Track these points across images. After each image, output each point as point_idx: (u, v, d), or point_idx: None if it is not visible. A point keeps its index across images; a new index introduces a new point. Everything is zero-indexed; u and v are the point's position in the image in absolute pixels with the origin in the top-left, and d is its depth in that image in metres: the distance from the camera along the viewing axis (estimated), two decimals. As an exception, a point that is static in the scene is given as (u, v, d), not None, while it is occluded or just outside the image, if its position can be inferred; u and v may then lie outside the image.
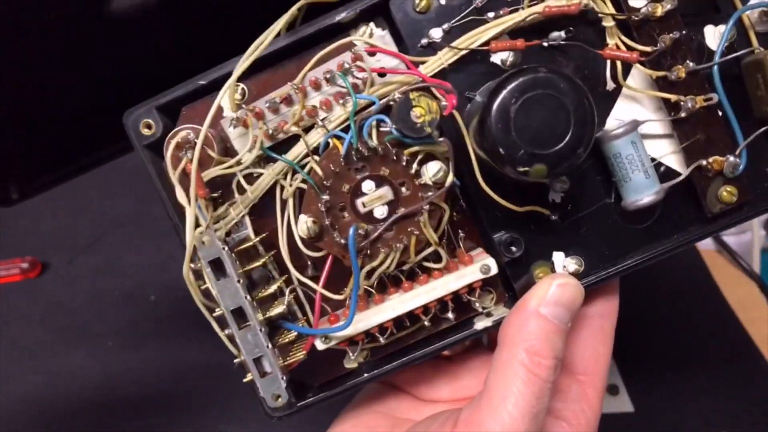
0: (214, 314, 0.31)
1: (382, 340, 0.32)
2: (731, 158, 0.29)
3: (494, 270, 0.30)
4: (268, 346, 0.30)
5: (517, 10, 0.30)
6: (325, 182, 0.30)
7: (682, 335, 0.64)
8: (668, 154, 0.31)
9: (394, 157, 0.30)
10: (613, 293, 0.32)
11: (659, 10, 0.29)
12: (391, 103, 0.29)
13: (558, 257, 0.31)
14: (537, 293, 0.29)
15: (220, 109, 0.30)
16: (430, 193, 0.30)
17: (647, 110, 0.31)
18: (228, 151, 0.32)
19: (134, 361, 0.62)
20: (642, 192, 0.29)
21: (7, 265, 0.71)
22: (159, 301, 0.68)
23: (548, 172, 0.27)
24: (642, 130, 0.30)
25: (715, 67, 0.29)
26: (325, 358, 0.33)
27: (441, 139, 0.29)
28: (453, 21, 0.30)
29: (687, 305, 0.68)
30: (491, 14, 0.30)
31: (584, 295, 0.29)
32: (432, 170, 0.30)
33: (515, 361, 0.27)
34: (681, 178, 0.30)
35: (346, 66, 0.30)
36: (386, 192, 0.30)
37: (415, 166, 0.30)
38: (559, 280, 0.29)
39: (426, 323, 0.32)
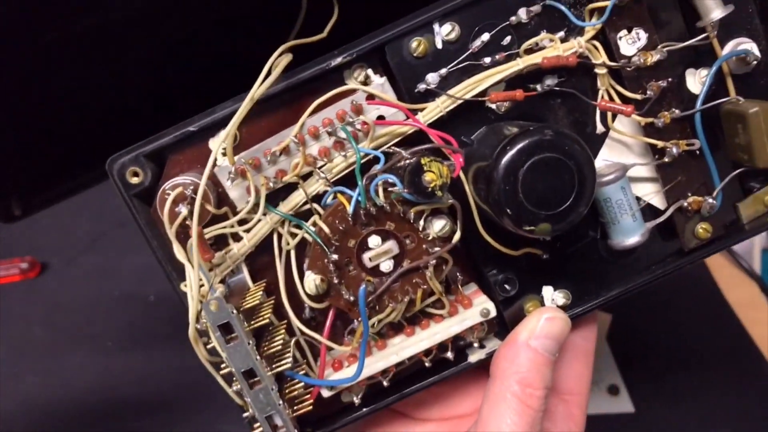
0: (221, 372, 0.31)
1: (385, 383, 0.32)
2: (709, 200, 0.31)
3: (493, 313, 0.31)
4: (279, 404, 0.29)
5: (513, 56, 0.30)
6: (332, 239, 0.30)
7: (683, 335, 0.64)
8: (651, 193, 0.32)
9: (401, 214, 0.30)
10: (593, 319, 0.34)
11: (649, 60, 0.30)
12: (399, 164, 0.29)
13: (547, 291, 0.32)
14: (527, 326, 0.30)
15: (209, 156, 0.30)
16: (437, 249, 0.30)
17: (633, 153, 0.32)
18: (221, 196, 0.30)
19: (134, 361, 0.62)
20: (629, 234, 0.31)
21: (6, 266, 0.71)
22: (159, 301, 0.68)
23: (552, 230, 0.27)
24: (629, 173, 0.31)
25: (698, 115, 0.30)
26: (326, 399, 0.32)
27: (450, 201, 0.29)
28: (450, 66, 0.30)
29: (687, 305, 0.68)
30: (488, 59, 0.30)
31: (570, 326, 0.31)
32: (438, 226, 0.30)
33: (508, 393, 0.28)
34: (663, 218, 0.32)
35: (349, 119, 0.30)
36: (392, 246, 0.30)
37: (421, 222, 0.30)
38: (548, 314, 0.30)
39: (427, 364, 0.32)
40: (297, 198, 0.30)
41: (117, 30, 0.32)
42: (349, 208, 0.29)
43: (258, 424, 0.30)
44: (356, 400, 0.32)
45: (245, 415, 0.31)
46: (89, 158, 0.38)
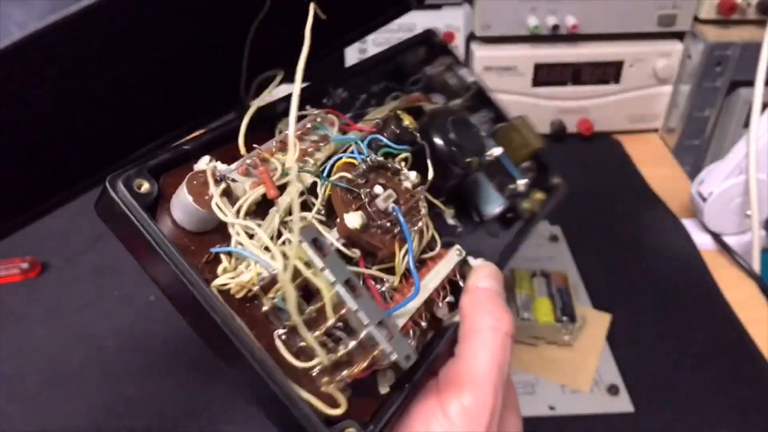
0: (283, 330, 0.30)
1: (413, 342, 0.34)
2: (521, 182, 0.46)
3: (463, 253, 0.38)
4: (384, 313, 0.30)
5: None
6: (358, 182, 0.34)
7: (682, 335, 0.64)
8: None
9: (389, 165, 0.35)
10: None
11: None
12: (378, 122, 0.37)
13: (473, 260, 0.40)
14: (471, 276, 0.37)
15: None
16: (420, 187, 0.36)
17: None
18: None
19: (134, 361, 0.62)
20: (495, 204, 0.44)
21: (6, 265, 0.71)
22: (159, 301, 0.68)
23: (478, 164, 0.40)
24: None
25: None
26: (360, 394, 0.31)
27: (422, 142, 0.38)
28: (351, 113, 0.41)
29: (687, 305, 0.68)
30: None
31: (498, 269, 0.38)
32: (412, 175, 0.36)
33: (478, 325, 0.34)
34: (504, 201, 0.44)
35: (319, 120, 0.37)
36: (391, 192, 0.35)
37: (404, 169, 0.36)
38: (478, 263, 0.39)
39: (440, 304, 0.36)
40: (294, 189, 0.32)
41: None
42: (357, 162, 0.35)
43: (370, 339, 0.30)
44: (386, 386, 0.33)
45: (344, 350, 0.30)
46: (69, 175, 0.37)
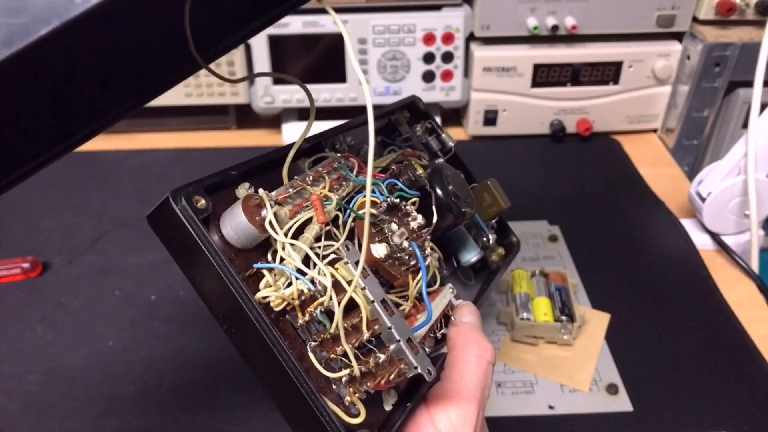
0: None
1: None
2: (491, 236, 0.52)
3: (455, 290, 0.43)
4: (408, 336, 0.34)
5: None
6: (382, 218, 0.39)
7: (681, 335, 0.65)
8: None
9: (401, 207, 0.40)
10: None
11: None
12: (393, 167, 0.43)
13: (455, 300, 0.44)
14: (457, 312, 0.42)
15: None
16: (426, 229, 0.41)
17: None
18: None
19: (134, 361, 0.62)
20: (473, 253, 0.50)
21: (8, 265, 0.71)
22: (159, 301, 0.69)
23: (473, 212, 0.46)
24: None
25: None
26: (371, 409, 0.34)
27: (430, 190, 0.43)
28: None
29: (686, 305, 0.68)
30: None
31: (477, 308, 0.43)
32: (419, 218, 0.41)
33: (466, 353, 0.38)
34: (480, 251, 0.50)
35: (342, 162, 0.41)
36: (404, 230, 0.39)
37: (413, 212, 0.41)
38: (462, 303, 0.43)
39: (438, 335, 0.40)
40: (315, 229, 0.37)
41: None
42: (381, 200, 0.39)
43: (399, 353, 0.34)
44: (390, 403, 0.37)
45: (382, 357, 0.34)
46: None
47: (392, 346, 0.34)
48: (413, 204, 0.42)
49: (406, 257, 0.38)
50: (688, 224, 0.79)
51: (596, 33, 0.90)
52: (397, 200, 0.40)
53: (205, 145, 0.96)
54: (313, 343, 0.33)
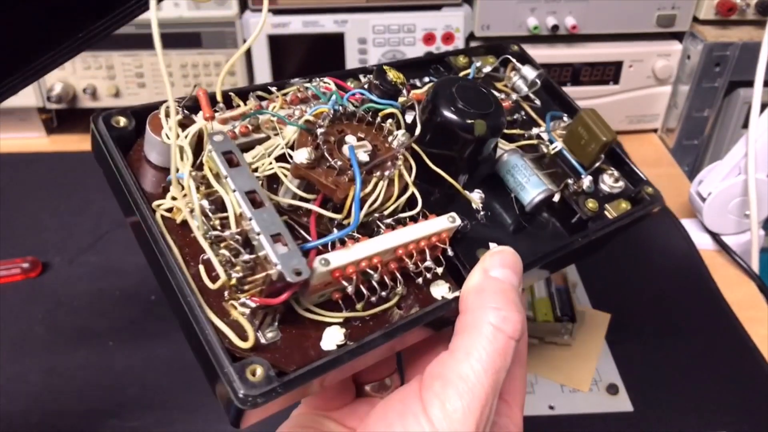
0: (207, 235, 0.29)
1: (358, 307, 0.31)
2: (585, 180, 0.41)
3: (459, 221, 0.33)
4: (282, 224, 0.28)
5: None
6: (319, 125, 0.32)
7: (682, 335, 0.65)
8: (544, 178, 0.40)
9: (370, 119, 0.33)
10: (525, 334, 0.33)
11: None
12: (369, 77, 0.38)
13: (493, 246, 0.35)
14: (483, 262, 0.31)
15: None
16: (402, 141, 0.34)
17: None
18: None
19: (134, 360, 0.62)
20: (537, 188, 0.38)
21: (7, 265, 0.71)
22: (159, 300, 0.69)
23: (486, 127, 0.35)
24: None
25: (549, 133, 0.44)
26: (297, 343, 0.29)
27: (408, 99, 0.37)
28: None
29: (686, 305, 0.68)
30: None
31: (520, 260, 0.32)
32: (400, 133, 0.34)
33: (479, 320, 0.29)
34: (559, 188, 0.40)
35: (314, 85, 0.36)
36: (366, 143, 0.33)
37: (387, 125, 0.34)
38: (497, 248, 0.33)
39: (411, 266, 0.32)
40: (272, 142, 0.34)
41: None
42: (329, 108, 0.33)
43: (263, 251, 0.27)
44: (332, 344, 0.30)
45: (242, 258, 0.28)
46: None
47: (255, 243, 0.28)
48: (391, 117, 0.35)
49: (343, 164, 0.31)
50: (688, 224, 0.79)
51: (596, 33, 0.90)
52: (354, 108, 0.34)
53: (205, 145, 0.96)
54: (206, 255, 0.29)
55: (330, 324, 0.30)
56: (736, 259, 0.74)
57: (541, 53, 0.91)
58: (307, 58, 0.91)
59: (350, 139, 0.32)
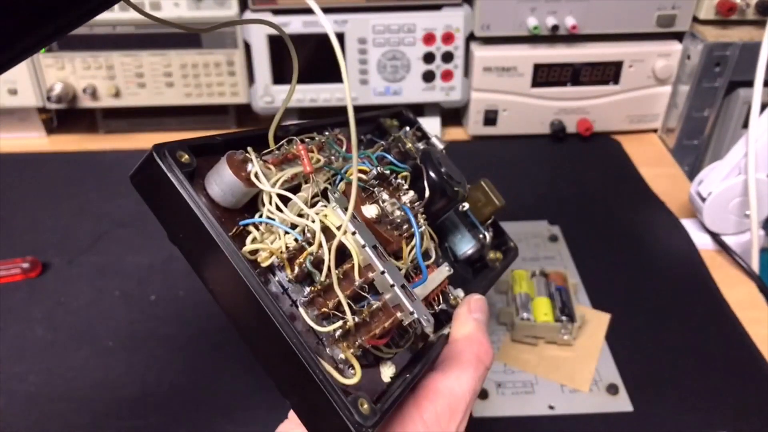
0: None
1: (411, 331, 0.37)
2: (488, 235, 0.50)
3: (452, 270, 0.41)
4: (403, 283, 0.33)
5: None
6: (372, 183, 0.38)
7: (682, 335, 0.65)
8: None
9: (391, 179, 0.39)
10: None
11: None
12: (383, 144, 0.45)
13: (455, 291, 0.44)
14: (468, 305, 0.41)
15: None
16: (419, 202, 0.40)
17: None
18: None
19: (135, 361, 0.62)
20: (468, 245, 0.49)
21: (7, 265, 0.71)
22: (159, 301, 0.69)
23: (465, 191, 0.46)
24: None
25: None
26: (368, 377, 0.33)
27: (420, 164, 0.44)
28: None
29: (686, 305, 0.68)
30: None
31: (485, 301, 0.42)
32: (411, 193, 0.40)
33: (467, 352, 0.38)
34: (476, 243, 0.49)
35: (331, 138, 0.40)
36: (395, 201, 0.38)
37: (405, 186, 0.40)
38: (477, 297, 0.42)
39: (436, 308, 0.39)
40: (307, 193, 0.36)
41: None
42: (370, 168, 0.38)
43: (391, 300, 0.33)
44: (389, 373, 0.35)
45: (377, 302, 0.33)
46: None
47: (387, 295, 0.32)
48: (404, 179, 0.41)
49: (399, 221, 0.37)
50: (688, 224, 0.79)
51: (596, 33, 0.90)
52: (388, 172, 0.39)
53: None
54: (303, 299, 0.31)
55: (385, 359, 0.35)
56: (736, 259, 0.74)
57: (541, 53, 0.91)
58: (307, 58, 0.91)
59: (385, 196, 0.37)
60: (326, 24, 0.29)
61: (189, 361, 0.62)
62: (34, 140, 0.98)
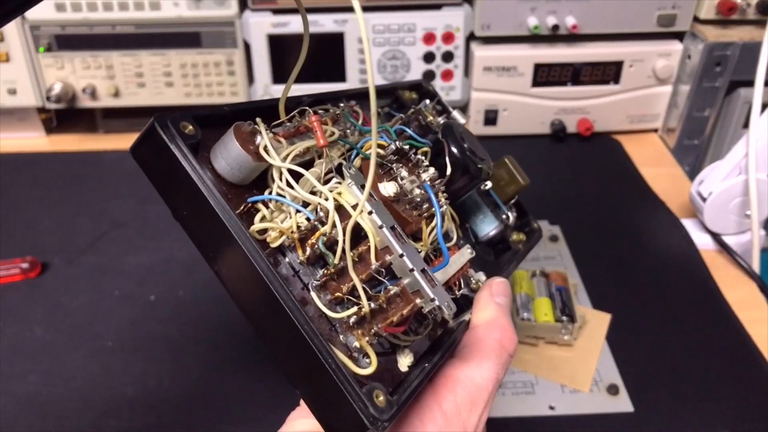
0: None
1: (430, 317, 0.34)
2: (511, 216, 0.48)
3: (474, 252, 0.40)
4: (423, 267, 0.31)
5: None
6: (391, 158, 0.35)
7: (682, 335, 0.64)
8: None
9: (411, 155, 0.36)
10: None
11: None
12: (402, 116, 0.42)
13: (476, 274, 0.42)
14: (491, 288, 0.38)
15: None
16: (440, 180, 0.37)
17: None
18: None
19: (134, 361, 0.62)
20: (491, 225, 0.47)
21: (7, 265, 0.71)
22: (159, 301, 0.68)
23: (489, 168, 0.43)
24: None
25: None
26: (385, 367, 0.32)
27: (442, 139, 0.40)
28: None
29: (687, 305, 0.68)
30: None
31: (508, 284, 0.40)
32: (431, 170, 0.36)
33: (490, 338, 0.35)
34: (499, 224, 0.47)
35: (346, 110, 0.39)
36: (414, 178, 0.35)
37: (425, 162, 0.37)
38: (499, 280, 0.40)
39: (457, 293, 0.37)
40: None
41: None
42: (388, 143, 0.36)
43: (410, 285, 0.30)
44: (407, 363, 0.33)
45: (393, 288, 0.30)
46: None
47: (406, 280, 0.29)
48: (424, 154, 0.38)
49: (418, 200, 0.34)
50: (688, 224, 0.79)
51: (597, 32, 0.90)
52: (407, 147, 0.36)
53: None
54: (315, 282, 0.30)
55: (402, 347, 0.33)
56: (736, 259, 0.74)
57: (541, 53, 0.91)
58: (307, 57, 0.90)
59: (404, 173, 0.35)
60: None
61: (189, 361, 0.62)
62: (33, 140, 0.97)
